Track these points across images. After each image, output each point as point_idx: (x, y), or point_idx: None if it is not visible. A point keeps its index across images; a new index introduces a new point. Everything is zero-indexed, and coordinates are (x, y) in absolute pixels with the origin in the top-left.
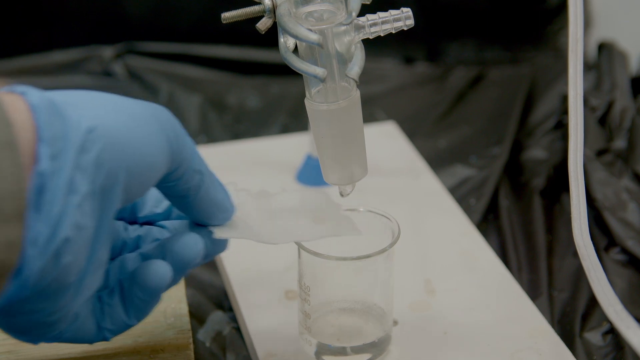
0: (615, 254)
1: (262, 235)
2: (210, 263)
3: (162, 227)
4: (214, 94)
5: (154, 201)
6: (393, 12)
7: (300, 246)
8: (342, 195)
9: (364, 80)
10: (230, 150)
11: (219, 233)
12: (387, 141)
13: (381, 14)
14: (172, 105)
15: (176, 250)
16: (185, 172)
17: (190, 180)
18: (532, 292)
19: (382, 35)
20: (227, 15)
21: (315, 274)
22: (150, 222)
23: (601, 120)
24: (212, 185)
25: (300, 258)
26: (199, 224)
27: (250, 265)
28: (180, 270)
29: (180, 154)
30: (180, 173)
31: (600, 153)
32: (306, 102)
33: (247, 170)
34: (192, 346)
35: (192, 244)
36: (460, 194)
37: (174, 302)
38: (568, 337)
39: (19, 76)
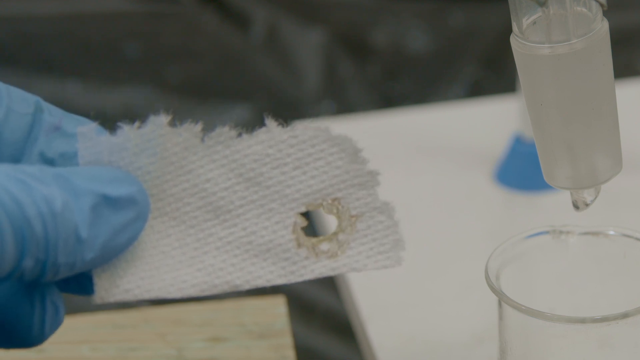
0: None
1: (170, 281)
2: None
3: None
4: (346, 26)
5: None
6: None
7: (501, 298)
8: (576, 207)
9: (615, 3)
10: (378, 126)
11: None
12: None
13: None
14: (275, 45)
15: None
16: None
17: None
18: None
19: None
20: None
21: (529, 348)
22: None
23: None
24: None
25: (503, 321)
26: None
27: (409, 331)
28: None
29: None
30: None
31: None
32: (513, 41)
33: (405, 162)
34: None
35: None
36: None
37: None
38: None
39: None
